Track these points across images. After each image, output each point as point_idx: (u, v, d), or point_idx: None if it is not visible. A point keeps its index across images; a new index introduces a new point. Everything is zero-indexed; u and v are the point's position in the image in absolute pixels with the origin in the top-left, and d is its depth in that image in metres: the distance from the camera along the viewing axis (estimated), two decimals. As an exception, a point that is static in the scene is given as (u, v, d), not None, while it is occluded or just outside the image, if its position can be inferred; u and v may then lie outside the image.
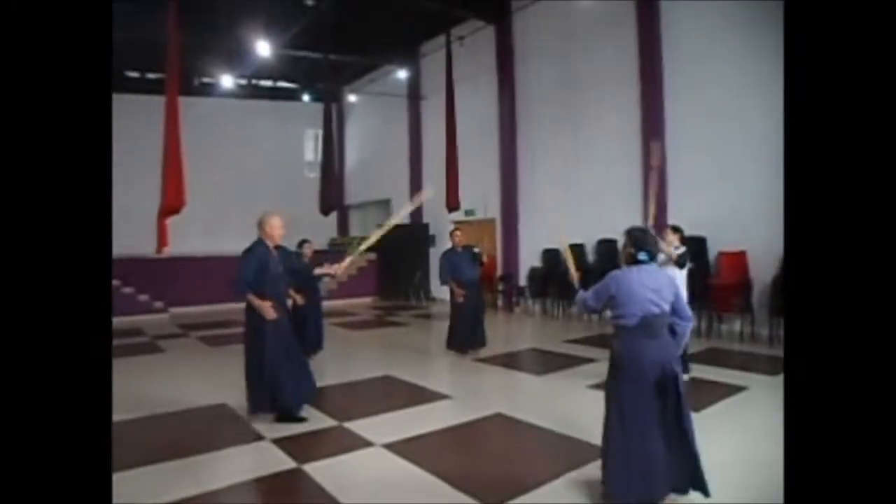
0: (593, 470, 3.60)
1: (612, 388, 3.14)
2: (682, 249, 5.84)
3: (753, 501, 3.26)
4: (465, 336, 7.46)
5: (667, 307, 3.09)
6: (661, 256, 5.84)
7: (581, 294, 3.42)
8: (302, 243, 7.21)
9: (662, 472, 2.97)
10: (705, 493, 3.00)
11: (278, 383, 4.70)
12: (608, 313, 3.30)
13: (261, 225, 4.78)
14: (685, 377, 5.77)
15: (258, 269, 4.64)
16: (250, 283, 4.60)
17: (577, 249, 10.84)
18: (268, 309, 4.62)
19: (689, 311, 3.25)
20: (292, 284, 6.91)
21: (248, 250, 4.73)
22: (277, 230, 4.80)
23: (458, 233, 7.72)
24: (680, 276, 5.76)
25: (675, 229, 6.02)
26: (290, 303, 6.84)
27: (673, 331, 3.20)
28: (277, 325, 4.73)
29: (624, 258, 3.23)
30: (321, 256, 7.45)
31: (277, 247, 4.87)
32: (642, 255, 3.11)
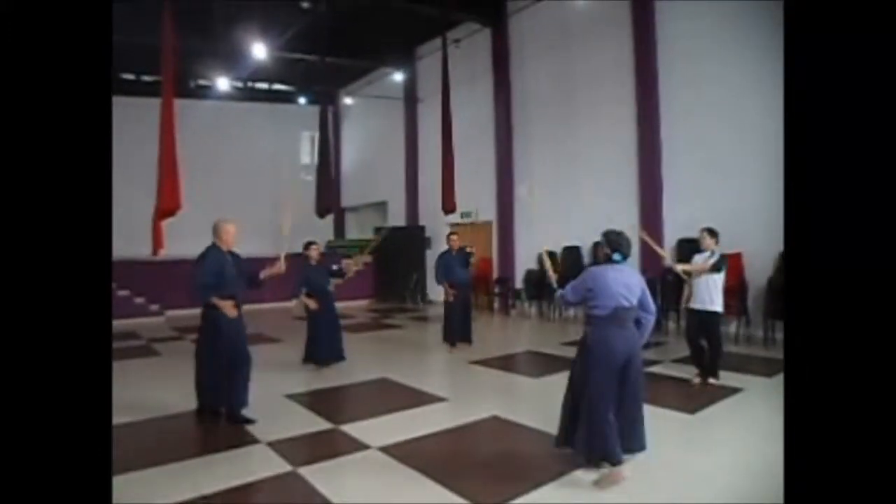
0: (590, 472, 3.62)
1: (582, 367, 3.62)
2: (717, 256, 5.75)
3: (752, 502, 3.27)
4: (455, 331, 7.96)
5: (635, 302, 3.55)
6: (697, 266, 5.81)
7: (560, 292, 3.85)
8: (308, 245, 7.15)
9: (616, 437, 3.48)
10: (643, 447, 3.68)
11: (232, 383, 4.81)
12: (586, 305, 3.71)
13: (216, 231, 4.93)
14: (713, 381, 5.83)
15: (215, 272, 4.77)
16: (211, 286, 4.73)
17: (574, 252, 10.87)
18: (230, 308, 4.75)
19: (653, 306, 3.70)
20: (306, 290, 6.87)
21: (204, 256, 4.85)
22: (231, 236, 4.95)
23: (454, 237, 8.17)
24: (719, 279, 5.75)
25: (712, 233, 5.89)
26: (296, 306, 6.87)
27: (638, 322, 3.65)
28: (234, 326, 4.85)
29: (600, 257, 3.68)
30: (322, 259, 7.42)
31: (230, 252, 4.97)
32: (616, 256, 3.58)
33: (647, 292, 3.65)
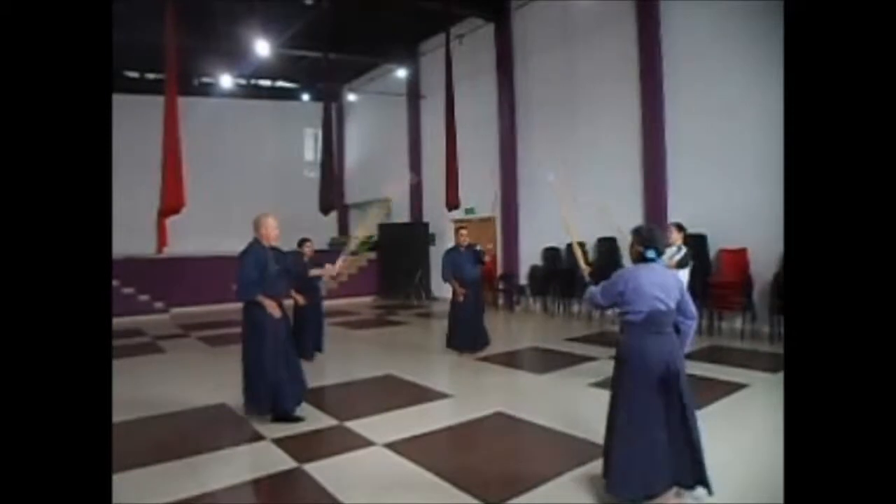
0: (595, 468, 3.60)
1: (619, 382, 3.20)
2: (683, 252, 5.69)
3: (754, 500, 3.26)
4: (465, 336, 7.44)
5: (672, 305, 3.15)
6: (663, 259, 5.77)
7: (591, 289, 3.42)
8: (302, 242, 7.16)
9: (664, 465, 3.01)
10: (709, 489, 3.03)
11: (278, 383, 4.73)
12: (615, 310, 3.34)
13: (256, 226, 4.80)
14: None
15: (259, 269, 4.65)
16: (256, 283, 4.61)
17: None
18: (274, 308, 4.66)
19: (693, 310, 3.29)
20: (293, 285, 6.85)
21: (246, 252, 4.72)
22: (273, 230, 4.82)
23: (463, 231, 7.71)
24: (684, 276, 5.64)
25: (679, 227, 5.82)
26: (290, 303, 6.88)
27: (677, 329, 3.24)
28: (278, 325, 4.76)
29: (632, 256, 3.28)
30: (322, 256, 7.41)
31: (273, 248, 4.87)
32: (650, 254, 3.18)
33: (687, 294, 3.28)
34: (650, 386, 3.04)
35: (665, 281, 3.17)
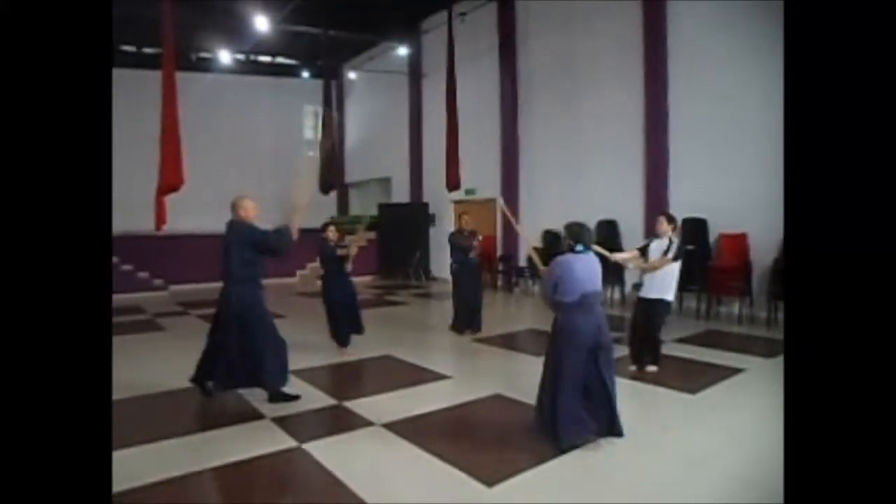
0: (591, 449, 3.67)
1: (555, 353, 3.77)
2: (675, 245, 5.36)
3: (749, 482, 3.29)
4: (465, 316, 7.71)
5: (599, 288, 3.83)
6: (654, 252, 5.49)
7: (545, 294, 3.95)
8: (325, 227, 6.90)
9: (589, 418, 3.73)
10: (620, 434, 3.76)
11: (269, 359, 4.75)
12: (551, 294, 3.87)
13: (235, 207, 4.77)
14: (653, 368, 5.62)
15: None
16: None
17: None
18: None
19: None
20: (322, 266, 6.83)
21: (252, 227, 4.75)
22: (252, 211, 4.82)
23: (465, 217, 7.92)
24: (676, 267, 5.43)
25: (670, 219, 5.54)
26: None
27: None
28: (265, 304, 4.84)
29: (565, 248, 3.90)
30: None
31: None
32: (579, 247, 3.84)
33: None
34: (580, 356, 3.67)
35: (593, 267, 3.83)
